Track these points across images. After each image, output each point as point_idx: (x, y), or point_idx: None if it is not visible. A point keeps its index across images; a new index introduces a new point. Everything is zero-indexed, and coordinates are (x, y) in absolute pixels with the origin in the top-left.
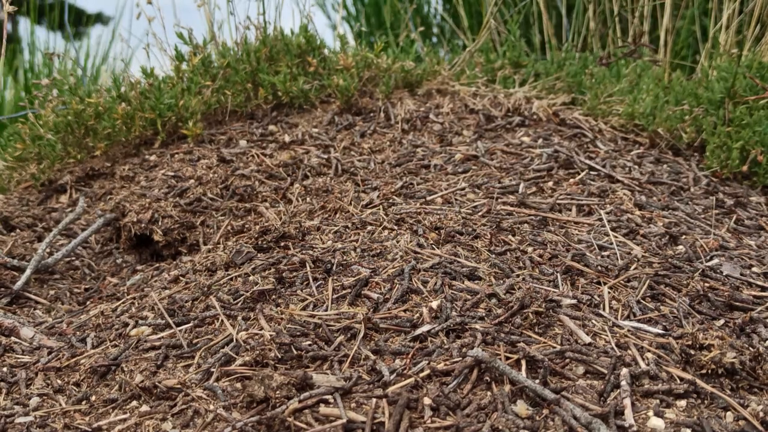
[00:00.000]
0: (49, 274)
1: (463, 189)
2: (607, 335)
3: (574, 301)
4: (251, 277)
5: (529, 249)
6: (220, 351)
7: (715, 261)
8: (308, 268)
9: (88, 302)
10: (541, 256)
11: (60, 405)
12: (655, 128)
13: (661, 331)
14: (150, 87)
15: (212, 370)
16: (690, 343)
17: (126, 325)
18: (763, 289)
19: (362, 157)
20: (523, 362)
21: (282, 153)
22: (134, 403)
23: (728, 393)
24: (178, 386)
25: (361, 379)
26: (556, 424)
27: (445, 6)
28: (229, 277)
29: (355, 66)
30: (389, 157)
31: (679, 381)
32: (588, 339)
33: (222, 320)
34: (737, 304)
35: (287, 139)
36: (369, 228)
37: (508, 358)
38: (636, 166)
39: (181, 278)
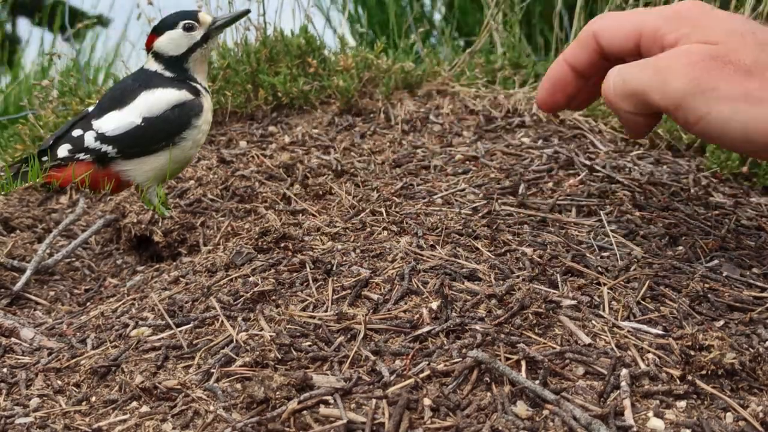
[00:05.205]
0: (49, 275)
1: (463, 190)
2: (607, 336)
3: (574, 302)
4: (251, 278)
5: (529, 250)
6: (220, 352)
7: (715, 262)
8: (308, 268)
9: (88, 303)
10: (541, 256)
11: (60, 406)
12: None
13: (661, 332)
14: None
15: (212, 370)
16: (690, 343)
17: (126, 325)
18: (762, 289)
19: (362, 158)
20: (523, 363)
21: (282, 154)
22: (134, 403)
23: (728, 394)
24: (178, 387)
25: (361, 379)
26: (556, 424)
27: (447, 6)
28: (229, 278)
29: (355, 67)
30: (389, 158)
31: (678, 382)
32: (588, 340)
33: (222, 321)
34: (737, 304)
35: (287, 140)
36: (369, 229)
37: (508, 359)
38: (636, 167)
39: (181, 279)
